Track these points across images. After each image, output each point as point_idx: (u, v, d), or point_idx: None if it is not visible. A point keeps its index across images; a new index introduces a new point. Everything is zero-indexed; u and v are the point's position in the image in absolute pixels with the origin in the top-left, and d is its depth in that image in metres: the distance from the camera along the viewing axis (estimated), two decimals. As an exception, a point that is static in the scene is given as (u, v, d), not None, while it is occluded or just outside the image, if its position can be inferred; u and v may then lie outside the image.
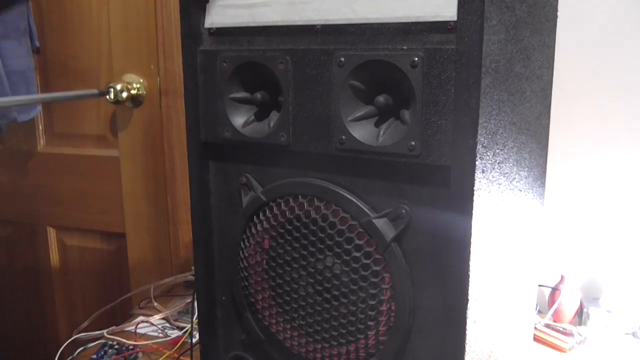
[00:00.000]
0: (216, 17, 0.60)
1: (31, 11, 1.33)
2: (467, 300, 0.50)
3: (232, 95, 0.61)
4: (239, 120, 0.61)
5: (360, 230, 0.55)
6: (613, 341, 0.94)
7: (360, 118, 0.54)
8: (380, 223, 0.54)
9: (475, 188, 0.48)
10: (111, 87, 1.28)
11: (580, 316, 1.02)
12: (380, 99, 0.53)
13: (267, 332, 0.64)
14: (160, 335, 0.97)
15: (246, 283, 0.64)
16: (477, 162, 0.48)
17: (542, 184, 0.74)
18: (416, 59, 0.49)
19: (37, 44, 1.36)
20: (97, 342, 0.96)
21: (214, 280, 0.68)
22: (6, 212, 1.56)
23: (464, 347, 0.51)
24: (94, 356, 0.91)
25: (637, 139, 1.02)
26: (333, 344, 0.59)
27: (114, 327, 1.00)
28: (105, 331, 0.98)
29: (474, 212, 0.49)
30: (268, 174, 0.60)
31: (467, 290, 0.50)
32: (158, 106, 1.32)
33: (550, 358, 0.91)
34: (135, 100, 1.32)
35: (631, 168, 1.02)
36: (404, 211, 0.53)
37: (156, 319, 1.01)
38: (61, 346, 0.94)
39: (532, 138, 0.66)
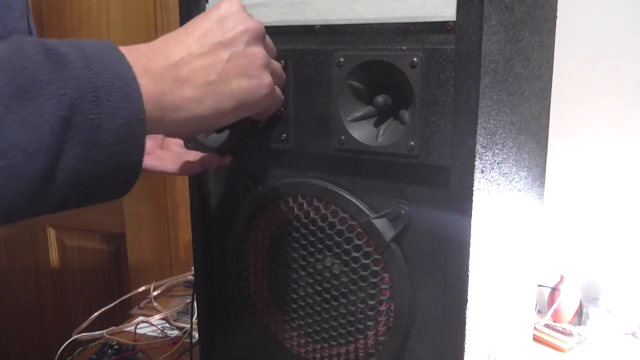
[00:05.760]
0: (216, 18, 0.60)
1: (31, 11, 1.33)
2: (466, 300, 0.50)
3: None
4: (238, 120, 0.61)
5: (360, 230, 0.55)
6: (612, 341, 0.94)
7: (360, 118, 0.54)
8: (380, 223, 0.54)
9: (474, 188, 0.48)
10: (111, 87, 1.28)
11: (579, 316, 1.02)
12: (380, 99, 0.53)
13: (266, 332, 0.64)
14: (160, 335, 0.97)
15: (246, 283, 0.64)
16: (476, 162, 0.48)
17: (542, 184, 0.75)
18: (415, 59, 0.49)
19: (37, 44, 1.36)
20: (97, 342, 0.96)
21: (214, 280, 0.68)
22: (6, 212, 1.55)
23: (463, 347, 0.51)
24: (94, 356, 0.91)
25: (638, 139, 1.02)
26: (332, 344, 0.59)
27: (113, 327, 1.00)
28: (105, 331, 0.98)
29: (473, 212, 0.49)
30: (268, 174, 0.60)
31: (467, 290, 0.50)
32: (158, 106, 1.32)
33: (549, 358, 0.91)
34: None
35: (631, 168, 1.02)
36: (403, 211, 0.53)
37: (156, 319, 1.02)
38: (61, 346, 0.94)
39: (531, 138, 0.66)
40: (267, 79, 0.46)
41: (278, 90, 0.49)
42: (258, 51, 0.45)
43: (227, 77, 0.43)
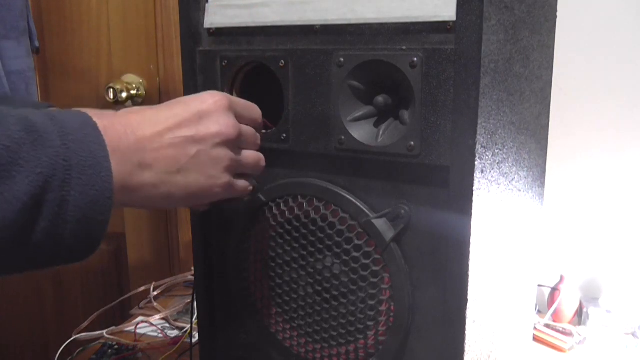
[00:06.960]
0: (216, 17, 0.60)
1: (31, 11, 1.33)
2: (466, 300, 0.50)
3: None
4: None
5: (360, 230, 0.55)
6: (613, 341, 0.94)
7: (360, 118, 0.54)
8: (380, 223, 0.54)
9: (474, 188, 0.48)
10: (111, 87, 1.28)
11: (579, 316, 1.02)
12: (380, 99, 0.53)
13: (267, 332, 0.64)
14: (160, 335, 0.97)
15: (246, 283, 0.64)
16: (476, 162, 0.48)
17: (542, 184, 0.75)
18: (415, 59, 0.49)
19: (37, 44, 1.36)
20: (97, 342, 0.96)
21: (213, 280, 0.68)
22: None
23: (463, 347, 0.51)
24: (94, 356, 0.91)
25: (637, 139, 1.02)
26: (333, 344, 0.59)
27: (113, 327, 1.00)
28: (105, 331, 0.98)
29: (473, 212, 0.49)
30: (268, 174, 0.60)
31: (467, 290, 0.50)
32: (158, 106, 1.32)
33: (549, 358, 0.91)
34: (135, 100, 1.32)
35: (631, 168, 1.02)
36: (403, 211, 0.53)
37: (156, 319, 1.01)
38: (61, 346, 0.94)
39: (531, 138, 0.66)
40: (223, 179, 0.48)
41: (240, 185, 0.51)
42: (224, 154, 0.47)
43: (186, 171, 0.45)
